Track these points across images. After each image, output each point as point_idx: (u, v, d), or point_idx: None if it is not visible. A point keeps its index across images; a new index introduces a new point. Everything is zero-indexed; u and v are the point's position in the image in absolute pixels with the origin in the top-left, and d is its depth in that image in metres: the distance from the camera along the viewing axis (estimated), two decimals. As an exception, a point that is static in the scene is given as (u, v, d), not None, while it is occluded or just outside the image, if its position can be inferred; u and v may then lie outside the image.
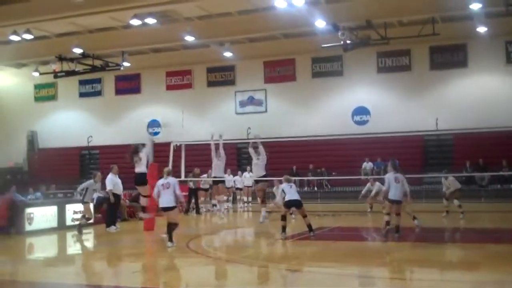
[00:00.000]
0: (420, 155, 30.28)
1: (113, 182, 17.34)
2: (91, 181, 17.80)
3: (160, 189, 13.93)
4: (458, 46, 30.92)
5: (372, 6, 25.97)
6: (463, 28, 28.97)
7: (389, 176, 14.93)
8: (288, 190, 15.30)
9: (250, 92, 34.92)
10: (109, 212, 17.89)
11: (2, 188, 20.56)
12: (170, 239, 13.68)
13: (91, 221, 18.48)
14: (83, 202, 17.59)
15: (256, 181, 17.72)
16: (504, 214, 21.05)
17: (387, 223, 14.92)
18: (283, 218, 15.12)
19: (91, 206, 17.93)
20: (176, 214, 14.12)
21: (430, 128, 28.72)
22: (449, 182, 20.01)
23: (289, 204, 15.26)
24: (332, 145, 30.07)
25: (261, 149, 17.50)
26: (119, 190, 17.91)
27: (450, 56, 31.13)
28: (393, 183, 14.73)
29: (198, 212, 24.01)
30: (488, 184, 27.67)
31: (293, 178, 17.79)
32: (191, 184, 23.74)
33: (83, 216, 17.52)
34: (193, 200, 24.40)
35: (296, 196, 15.15)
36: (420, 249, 13.61)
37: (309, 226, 15.04)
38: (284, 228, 14.95)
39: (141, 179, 16.09)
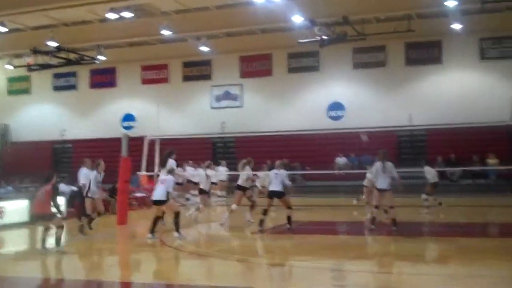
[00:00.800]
0: (394, 150, 30.45)
1: (86, 176, 17.20)
2: (94, 172, 16.02)
3: (158, 183, 14.35)
4: (433, 43, 31.17)
5: (349, 2, 26.03)
6: (438, 24, 29.21)
7: (377, 165, 15.03)
8: (273, 180, 15.35)
9: (226, 87, 34.85)
10: (82, 206, 17.72)
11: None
12: (177, 230, 13.95)
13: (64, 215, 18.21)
14: (87, 197, 15.94)
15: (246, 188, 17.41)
16: (475, 209, 21.31)
17: (373, 219, 14.94)
18: (265, 212, 15.23)
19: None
20: (171, 205, 14.33)
21: (404, 123, 28.96)
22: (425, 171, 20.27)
23: (271, 195, 15.33)
24: (307, 140, 30.10)
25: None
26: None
27: (425, 52, 31.37)
28: (380, 173, 14.84)
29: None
30: (459, 179, 28.05)
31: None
32: None
33: (95, 212, 15.95)
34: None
35: (277, 187, 15.18)
36: (393, 243, 13.73)
37: (289, 218, 15.10)
38: (262, 222, 14.99)
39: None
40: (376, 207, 15.00)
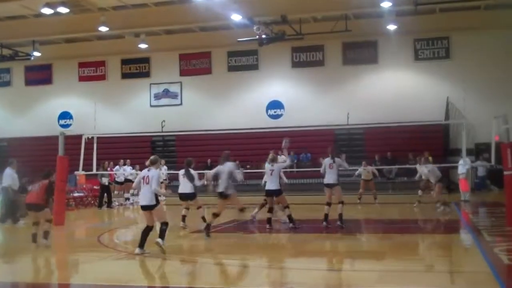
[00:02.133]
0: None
1: (12, 177, 17.01)
2: (228, 163, 14.58)
3: (141, 182, 11.91)
4: (369, 43, 31.84)
5: (287, 2, 26.29)
6: (374, 25, 29.85)
7: (326, 161, 15.25)
8: (268, 177, 15.26)
9: (165, 85, 34.66)
10: (9, 208, 17.50)
11: None
12: (159, 242, 11.66)
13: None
14: (225, 195, 14.44)
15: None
16: (410, 206, 21.81)
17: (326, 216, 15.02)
18: (270, 210, 15.26)
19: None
20: (160, 212, 12.07)
21: (342, 122, 29.45)
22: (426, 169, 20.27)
23: (268, 194, 15.28)
24: (246, 139, 30.31)
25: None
26: (16, 185, 17.58)
27: (362, 52, 32.02)
28: (328, 169, 15.09)
29: (109, 205, 23.61)
30: (395, 177, 28.78)
31: (208, 171, 17.81)
32: (103, 180, 23.30)
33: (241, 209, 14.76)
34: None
35: (273, 186, 14.97)
36: (331, 240, 13.96)
37: (289, 216, 15.02)
38: (269, 220, 15.08)
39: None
40: (328, 204, 15.12)
